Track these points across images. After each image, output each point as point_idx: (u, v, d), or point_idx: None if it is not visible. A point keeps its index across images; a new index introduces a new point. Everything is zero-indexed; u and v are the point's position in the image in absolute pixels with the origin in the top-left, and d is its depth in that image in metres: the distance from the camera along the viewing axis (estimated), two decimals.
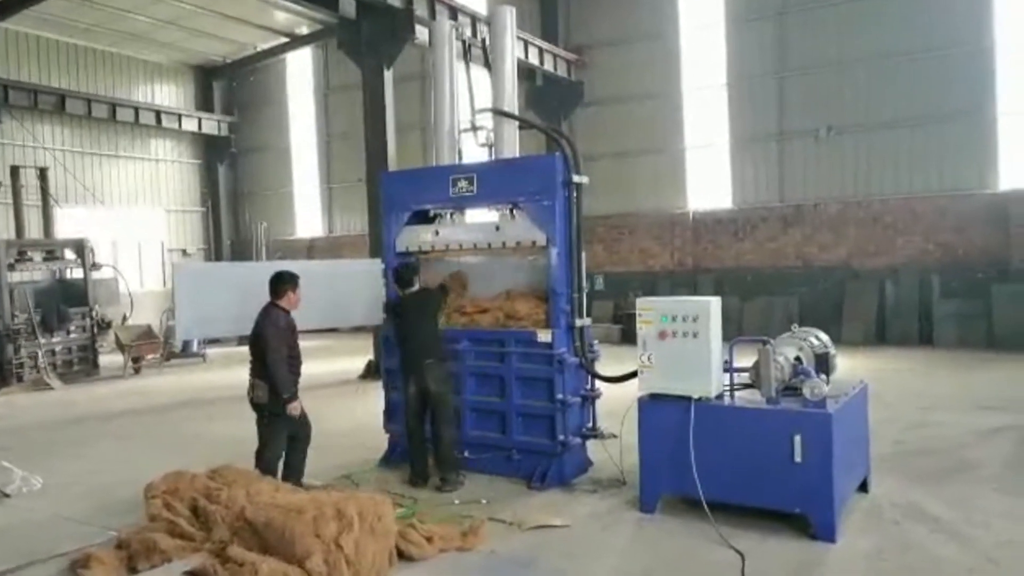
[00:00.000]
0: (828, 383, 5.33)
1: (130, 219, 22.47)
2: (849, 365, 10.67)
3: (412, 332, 6.53)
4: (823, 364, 5.62)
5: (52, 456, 8.21)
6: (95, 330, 14.78)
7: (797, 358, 5.49)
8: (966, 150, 14.96)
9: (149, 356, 15.42)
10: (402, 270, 6.70)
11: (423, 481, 6.48)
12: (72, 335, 14.51)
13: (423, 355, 6.46)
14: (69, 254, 15.08)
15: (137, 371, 14.87)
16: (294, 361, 5.93)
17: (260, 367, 5.82)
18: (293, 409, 5.83)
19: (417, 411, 6.55)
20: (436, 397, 6.46)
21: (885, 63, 15.57)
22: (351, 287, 7.29)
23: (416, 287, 6.68)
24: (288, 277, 5.92)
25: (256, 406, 5.94)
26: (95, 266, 15.07)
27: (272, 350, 5.70)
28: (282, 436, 5.96)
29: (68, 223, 18.67)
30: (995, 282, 14.25)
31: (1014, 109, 14.68)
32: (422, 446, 6.58)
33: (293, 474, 6.11)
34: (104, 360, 15.13)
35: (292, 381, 5.85)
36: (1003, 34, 14.70)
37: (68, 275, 15.27)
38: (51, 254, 14.93)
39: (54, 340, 14.15)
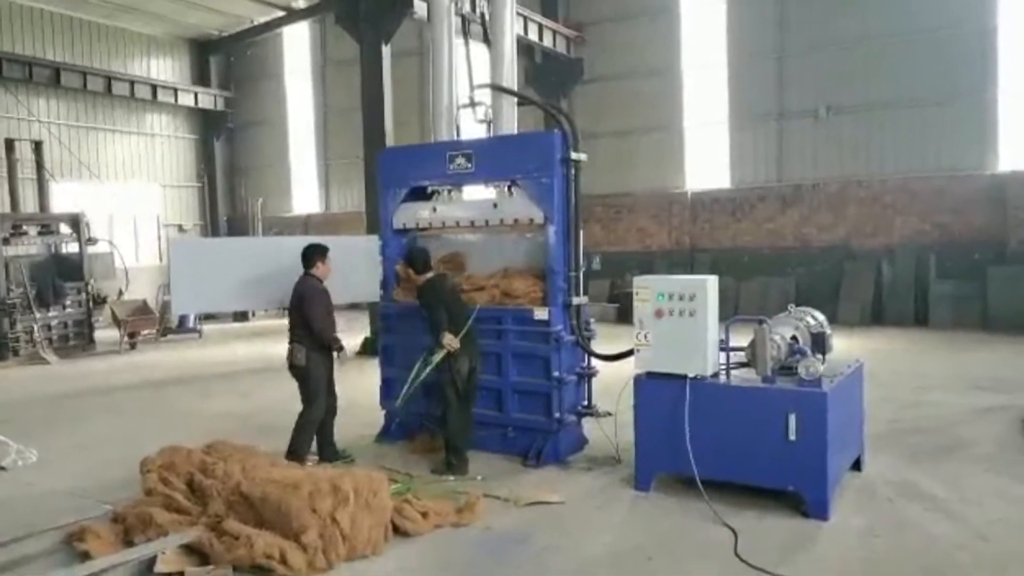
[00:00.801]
0: (824, 362, 5.35)
1: (126, 194, 22.35)
2: (845, 345, 10.70)
3: (460, 312, 6.34)
4: (819, 343, 5.63)
5: (48, 430, 8.22)
6: (91, 305, 14.76)
7: (793, 337, 5.49)
8: (966, 131, 14.90)
9: (145, 331, 15.42)
10: (418, 255, 6.54)
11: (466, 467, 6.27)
12: (68, 310, 14.49)
13: (475, 334, 6.36)
14: (65, 228, 15.01)
15: (133, 346, 14.87)
16: (330, 318, 6.37)
17: (298, 332, 6.20)
18: (342, 353, 6.36)
19: (464, 390, 6.36)
20: (474, 378, 6.40)
21: (885, 43, 15.46)
22: (349, 264, 7.26)
23: (433, 271, 6.55)
24: (316, 248, 6.36)
25: (294, 369, 6.26)
26: (91, 241, 15.01)
27: (314, 310, 6.13)
28: (322, 394, 6.29)
29: (63, 197, 18.56)
30: (991, 263, 14.26)
31: (1016, 90, 14.61)
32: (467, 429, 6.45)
33: (326, 443, 6.51)
34: (100, 335, 15.12)
35: (334, 335, 6.31)
36: (1007, 14, 14.59)
37: (64, 249, 15.21)
38: (46, 228, 14.85)
39: (50, 315, 14.12)
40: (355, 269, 7.22)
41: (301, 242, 6.55)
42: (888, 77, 15.51)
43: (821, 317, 6.03)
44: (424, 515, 4.97)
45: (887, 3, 15.38)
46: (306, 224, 23.57)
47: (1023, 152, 14.52)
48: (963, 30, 14.74)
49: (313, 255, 6.31)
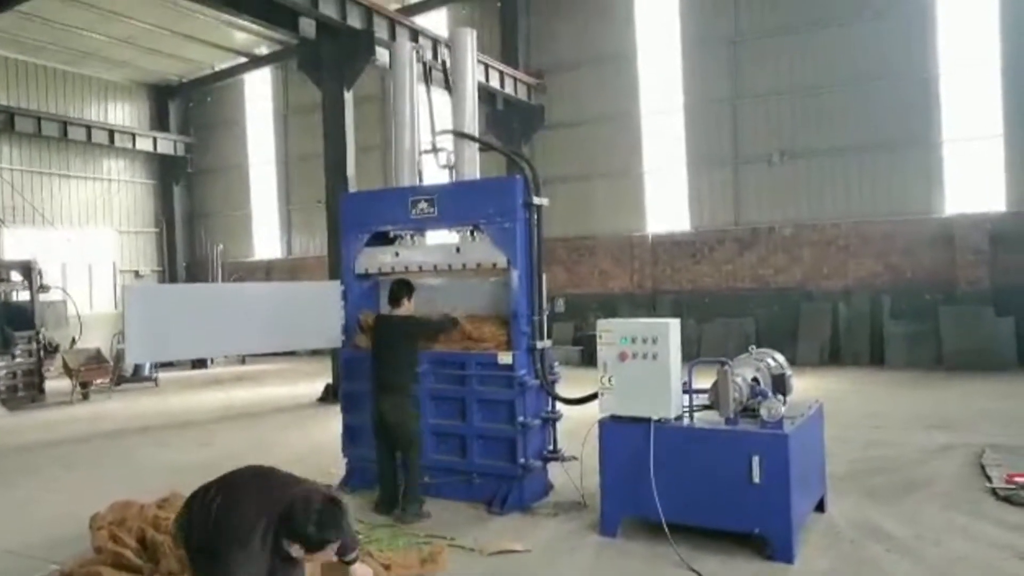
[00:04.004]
0: (785, 403, 5.40)
1: (81, 240, 21.95)
2: (805, 385, 10.84)
3: (382, 356, 6.33)
4: (780, 385, 5.69)
5: None
6: (42, 354, 14.30)
7: (755, 379, 5.54)
8: (914, 175, 15.45)
9: (98, 381, 14.96)
10: (393, 287, 6.53)
11: (387, 508, 6.31)
12: (17, 359, 14.00)
13: (386, 383, 6.28)
14: (15, 276, 14.61)
15: (85, 396, 14.41)
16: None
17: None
18: None
19: (382, 436, 6.35)
20: (395, 428, 6.26)
21: (834, 91, 16.04)
22: (309, 309, 7.19)
23: (403, 308, 6.48)
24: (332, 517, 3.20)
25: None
26: (43, 288, 14.61)
27: None
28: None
29: (15, 244, 18.14)
30: (942, 304, 14.66)
31: (958, 136, 15.22)
32: (389, 473, 6.40)
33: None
34: (51, 385, 14.63)
35: None
36: (946, 64, 15.28)
37: (14, 297, 14.79)
38: None
39: None
40: (315, 315, 7.14)
41: (261, 288, 6.41)
42: (838, 124, 16.07)
43: (781, 358, 6.11)
44: (387, 567, 4.85)
45: (835, 53, 16.01)
46: (268, 269, 23.35)
47: (968, 195, 15.07)
48: (908, 79, 15.37)
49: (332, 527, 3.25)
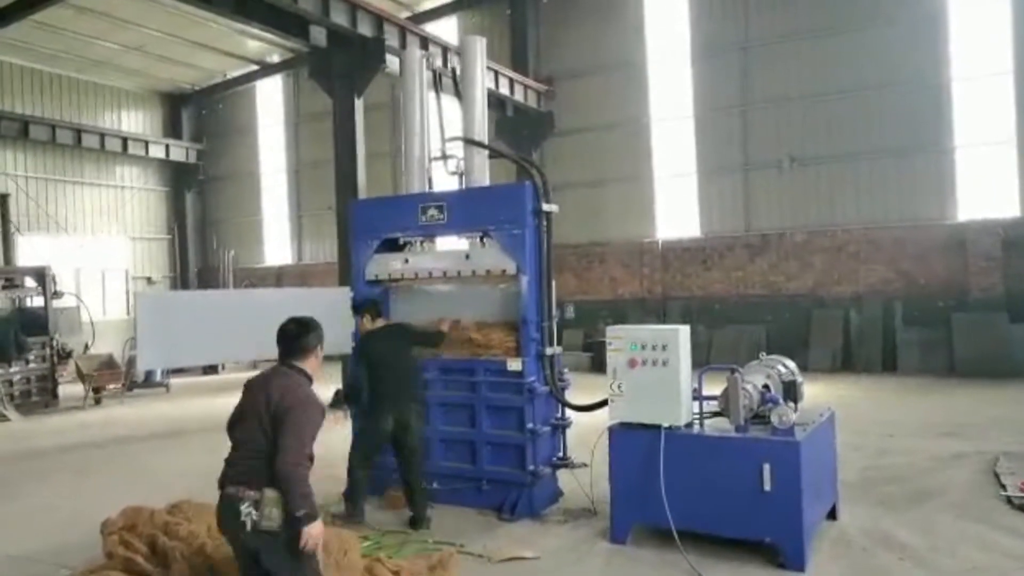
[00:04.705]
0: (796, 411, 5.37)
1: (94, 246, 22.09)
2: (816, 392, 10.77)
3: (397, 365, 6.26)
4: (791, 392, 5.66)
5: (5, 491, 7.93)
6: (55, 360, 14.41)
7: (765, 386, 5.52)
8: (926, 181, 15.34)
9: (110, 386, 15.05)
10: (368, 305, 6.52)
11: (362, 515, 6.24)
12: (31, 365, 14.12)
13: (406, 391, 6.25)
14: (30, 282, 14.73)
15: (98, 402, 14.50)
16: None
17: (262, 464, 3.55)
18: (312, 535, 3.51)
19: (380, 446, 6.29)
20: (416, 434, 6.25)
21: (845, 97, 15.97)
22: (319, 315, 7.18)
23: (381, 320, 6.53)
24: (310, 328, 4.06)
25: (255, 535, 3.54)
26: (56, 294, 14.73)
27: (297, 445, 3.55)
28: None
29: (30, 250, 18.28)
30: (955, 310, 14.55)
31: (970, 142, 15.12)
32: (365, 481, 6.34)
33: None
34: (64, 391, 14.73)
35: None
36: (958, 70, 15.19)
37: (28, 303, 14.91)
38: (11, 282, 14.55)
39: (12, 370, 13.74)
40: (326, 321, 7.14)
41: (271, 294, 6.44)
42: (848, 130, 15.99)
43: (792, 365, 6.08)
44: (396, 574, 4.84)
45: (846, 59, 15.93)
46: (279, 275, 23.45)
47: (981, 202, 14.96)
48: (919, 85, 15.28)
49: (305, 336, 4.17)
